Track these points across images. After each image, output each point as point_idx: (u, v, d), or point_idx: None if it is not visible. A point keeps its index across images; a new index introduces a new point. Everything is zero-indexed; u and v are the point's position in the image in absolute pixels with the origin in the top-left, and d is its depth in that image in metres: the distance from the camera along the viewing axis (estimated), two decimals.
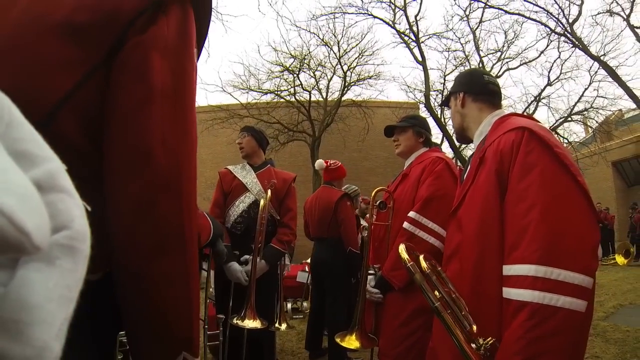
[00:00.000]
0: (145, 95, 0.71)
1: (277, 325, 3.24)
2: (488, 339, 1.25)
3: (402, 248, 1.41)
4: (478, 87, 1.77)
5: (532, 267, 1.22)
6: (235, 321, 2.57)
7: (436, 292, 1.30)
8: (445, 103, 1.93)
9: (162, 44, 0.73)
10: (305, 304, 6.09)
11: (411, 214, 2.20)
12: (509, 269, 1.30)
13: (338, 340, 2.26)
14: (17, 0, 0.71)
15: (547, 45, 13.93)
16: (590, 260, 1.21)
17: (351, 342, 2.22)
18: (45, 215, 0.43)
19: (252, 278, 2.69)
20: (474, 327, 1.29)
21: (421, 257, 1.40)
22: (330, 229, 4.11)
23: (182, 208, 0.73)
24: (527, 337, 1.17)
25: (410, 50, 13.73)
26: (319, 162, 4.44)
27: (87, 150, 0.71)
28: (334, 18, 14.37)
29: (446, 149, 14.16)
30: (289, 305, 6.22)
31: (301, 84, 15.39)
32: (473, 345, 1.24)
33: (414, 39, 13.51)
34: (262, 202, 2.78)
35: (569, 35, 11.68)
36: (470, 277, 1.43)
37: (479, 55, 14.35)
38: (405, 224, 2.21)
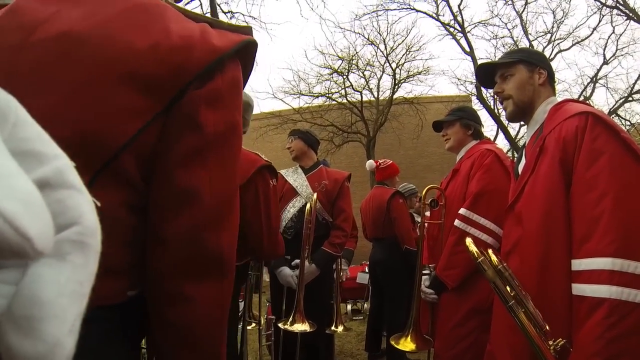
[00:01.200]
0: (198, 144, 0.76)
1: (333, 327, 3.24)
2: (558, 340, 1.19)
3: (469, 241, 1.36)
4: (553, 73, 1.67)
5: (608, 261, 1.14)
6: (283, 325, 2.58)
7: (508, 288, 1.24)
8: (501, 66, 1.72)
9: (216, 97, 0.78)
10: (365, 305, 6.04)
11: (462, 210, 2.13)
12: (580, 264, 1.22)
13: (393, 342, 2.22)
14: (84, 43, 0.73)
15: (600, 21, 12.97)
16: None
17: (406, 344, 2.17)
18: (48, 220, 0.43)
19: (300, 282, 2.68)
20: (547, 327, 1.22)
21: (490, 250, 1.33)
22: (385, 228, 4.03)
23: (222, 240, 0.78)
24: (606, 336, 1.10)
25: (457, 41, 13.31)
26: (370, 163, 4.41)
27: (140, 184, 0.76)
28: (377, 16, 14.23)
29: (501, 140, 13.60)
30: (349, 307, 6.22)
31: (351, 85, 15.38)
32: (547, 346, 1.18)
33: (459, 29, 13.10)
34: (307, 206, 2.76)
35: (621, 6, 10.83)
36: (534, 274, 1.34)
37: (528, 39, 13.63)
38: (456, 222, 2.14)
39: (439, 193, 2.42)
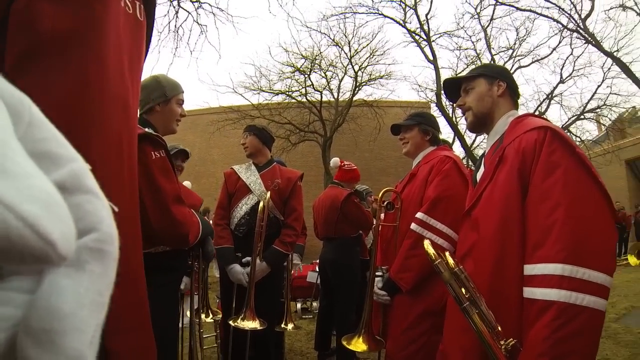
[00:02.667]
0: (29, 44, 0.65)
1: (283, 325, 3.22)
2: (509, 340, 1.24)
3: (427, 243, 1.40)
4: (516, 86, 1.74)
5: (558, 266, 1.21)
6: (233, 322, 2.56)
7: (463, 290, 1.29)
8: (464, 80, 1.80)
9: None
10: (315, 304, 6.04)
11: (419, 214, 2.16)
12: (532, 268, 1.28)
13: (345, 342, 2.22)
14: None
15: (560, 42, 13.64)
16: (612, 260, 1.24)
17: (358, 344, 2.17)
18: (70, 222, 0.40)
19: (251, 280, 2.68)
20: (499, 328, 1.27)
21: (447, 253, 1.38)
22: (337, 228, 4.06)
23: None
24: (553, 337, 1.16)
25: (421, 49, 13.60)
26: (335, 160, 4.39)
27: None
28: (345, 18, 14.29)
29: (457, 148, 14.02)
30: (299, 306, 6.22)
31: (312, 85, 15.38)
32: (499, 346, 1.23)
33: (424, 37, 13.37)
34: (260, 204, 2.75)
35: (581, 31, 11.44)
36: (488, 277, 1.40)
37: (491, 53, 14.14)
38: (413, 225, 2.16)
39: (395, 196, 2.43)
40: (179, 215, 1.80)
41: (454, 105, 2.18)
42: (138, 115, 1.78)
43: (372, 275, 2.29)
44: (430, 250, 1.35)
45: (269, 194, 2.86)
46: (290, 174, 3.20)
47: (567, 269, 1.20)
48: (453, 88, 1.86)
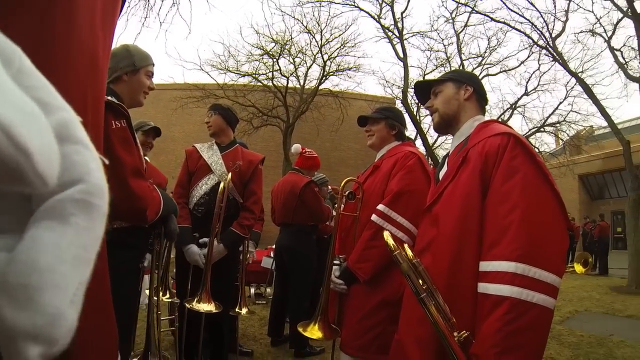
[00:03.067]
0: None
1: (237, 309, 3.22)
2: (462, 332, 1.31)
3: (387, 234, 1.44)
4: (483, 92, 1.81)
5: (511, 264, 1.28)
6: (189, 304, 2.54)
7: (420, 282, 1.34)
8: (434, 84, 1.85)
9: None
10: (268, 289, 6.05)
11: (380, 207, 2.19)
12: (487, 265, 1.35)
13: (300, 329, 2.23)
14: None
15: (528, 56, 14.26)
16: (561, 263, 1.32)
17: (314, 332, 2.18)
18: (52, 141, 0.38)
19: (208, 261, 2.66)
20: (454, 319, 1.34)
21: (406, 245, 1.44)
22: (295, 214, 4.08)
23: None
24: (504, 330, 1.23)
25: (393, 46, 13.66)
26: (296, 147, 4.36)
27: None
28: (320, 6, 14.21)
29: (419, 146, 14.30)
30: (252, 291, 6.20)
31: (280, 69, 15.27)
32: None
33: (397, 35, 13.42)
34: (221, 185, 2.72)
35: (550, 49, 11.82)
36: (445, 271, 1.46)
37: (461, 58, 14.46)
38: (374, 217, 2.19)
39: (357, 186, 2.45)
40: (137, 189, 1.71)
41: (423, 106, 2.22)
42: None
43: (329, 263, 2.31)
44: (390, 242, 1.39)
45: (229, 175, 2.83)
46: (252, 157, 3.17)
47: (520, 267, 1.27)
48: (423, 90, 1.91)
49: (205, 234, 2.81)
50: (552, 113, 15.13)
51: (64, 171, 0.42)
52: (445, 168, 1.70)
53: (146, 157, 3.63)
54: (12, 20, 0.63)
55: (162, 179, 4.15)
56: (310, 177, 4.29)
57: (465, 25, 13.91)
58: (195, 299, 2.56)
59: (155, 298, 2.24)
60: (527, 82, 15.18)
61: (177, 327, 2.45)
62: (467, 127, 1.72)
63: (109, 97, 1.84)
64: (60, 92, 0.65)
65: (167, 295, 3.09)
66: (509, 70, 15.03)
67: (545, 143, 16.29)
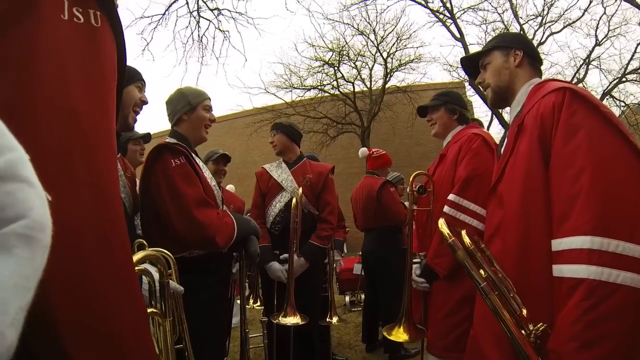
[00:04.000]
0: None
1: (328, 319, 3.24)
2: (539, 325, 1.13)
3: (441, 222, 1.31)
4: (534, 51, 1.64)
5: (586, 239, 1.09)
6: (275, 319, 2.60)
7: (481, 271, 1.19)
8: (480, 56, 1.72)
9: None
10: (362, 296, 6.01)
11: (451, 196, 2.08)
12: (560, 243, 1.17)
13: (386, 333, 2.17)
14: None
15: (590, 2, 12.92)
16: None
17: (399, 334, 2.11)
18: None
19: (290, 276, 2.71)
20: (524, 311, 1.17)
21: (463, 232, 1.29)
22: (376, 218, 4.02)
23: None
24: (584, 319, 1.04)
25: (447, 27, 13.21)
26: (363, 150, 4.37)
27: None
28: (366, 6, 14.13)
29: (496, 127, 13.57)
30: (347, 299, 6.20)
31: (343, 76, 15.32)
32: (523, 332, 1.11)
33: (449, 15, 12.98)
34: (293, 200, 2.77)
35: None
36: (514, 256, 1.31)
37: (519, 22, 13.52)
38: (446, 208, 2.09)
39: (427, 179, 2.36)
40: (203, 218, 1.82)
41: (474, 82, 2.14)
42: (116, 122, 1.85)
43: (409, 262, 2.22)
44: (445, 230, 1.26)
45: (300, 189, 2.87)
46: (320, 168, 3.19)
47: (597, 242, 1.07)
48: (472, 66, 1.78)
49: (285, 250, 2.87)
50: (631, 58, 13.44)
51: (8, 207, 0.46)
52: (506, 141, 1.55)
53: (230, 186, 3.81)
54: None
55: (239, 203, 4.30)
56: (385, 176, 4.24)
57: None
58: (281, 314, 2.62)
59: (243, 316, 2.28)
60: (596, 31, 13.70)
61: (266, 344, 2.49)
62: (522, 93, 1.56)
63: (168, 140, 2.02)
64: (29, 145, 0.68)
65: (259, 303, 3.18)
66: (573, 22, 13.66)
67: (631, 94, 14.38)
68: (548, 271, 1.21)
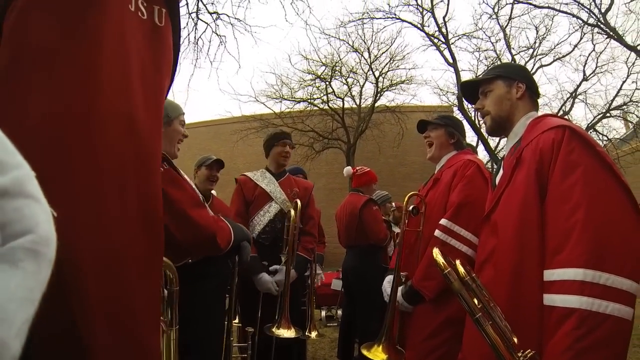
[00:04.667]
0: (11, 57, 0.65)
1: (307, 333, 3.24)
2: (527, 352, 1.16)
3: (436, 252, 1.34)
4: (535, 86, 1.69)
5: (579, 271, 1.15)
6: (270, 330, 2.59)
7: (475, 301, 1.23)
8: (482, 82, 1.76)
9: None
10: (339, 312, 6.00)
11: (443, 221, 2.10)
12: (552, 274, 1.22)
13: (364, 351, 2.15)
14: None
15: (581, 38, 13.26)
16: (637, 264, 1.15)
17: (377, 353, 2.10)
18: None
19: (286, 287, 2.70)
20: (515, 339, 1.20)
21: (458, 262, 1.32)
22: (357, 235, 4.04)
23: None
24: (575, 347, 1.09)
25: (441, 52, 13.47)
26: (347, 169, 4.42)
27: None
28: (363, 24, 14.28)
29: (481, 152, 13.78)
30: (323, 313, 6.18)
31: (334, 92, 15.41)
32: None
33: (443, 40, 13.25)
34: (292, 213, 2.77)
35: (602, 25, 11.10)
36: (507, 284, 1.35)
37: (511, 53, 13.84)
38: (437, 232, 2.11)
39: (419, 200, 2.37)
40: (200, 219, 1.76)
41: (473, 107, 2.18)
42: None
43: (395, 282, 2.22)
44: (440, 260, 1.30)
45: (299, 201, 2.88)
46: (306, 184, 3.29)
47: (589, 274, 1.13)
48: (471, 90, 1.83)
49: (273, 261, 2.88)
50: (616, 95, 13.81)
51: (16, 223, 0.48)
52: (501, 172, 1.60)
53: (213, 192, 3.76)
54: (29, 90, 0.65)
55: (228, 212, 4.25)
56: (370, 194, 4.26)
57: (510, 18, 13.35)
58: (274, 326, 2.61)
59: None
60: (585, 66, 14.04)
61: (249, 354, 2.47)
62: (520, 125, 1.61)
63: None
64: (82, 164, 0.67)
65: (237, 320, 3.15)
66: (563, 56, 14.01)
67: (613, 129, 14.70)
68: (539, 300, 1.25)
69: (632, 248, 1.17)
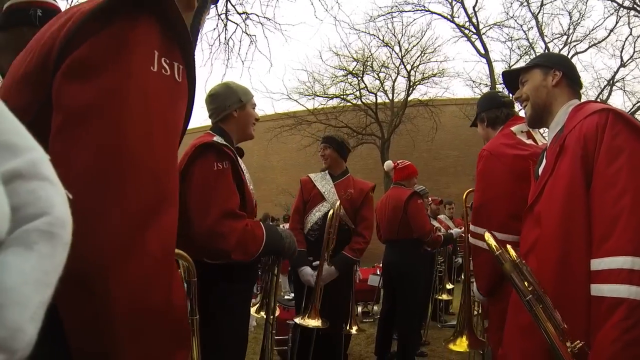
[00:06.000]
0: (59, 123, 0.71)
1: (347, 328, 3.32)
2: (576, 342, 1.15)
3: (488, 235, 1.36)
4: (575, 75, 1.64)
5: (627, 259, 1.11)
6: (298, 320, 2.76)
7: (526, 284, 1.23)
8: (521, 72, 1.73)
9: (80, 66, 0.72)
10: (376, 307, 6.02)
11: (471, 226, 2.07)
12: (600, 263, 1.18)
13: (450, 345, 2.22)
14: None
15: (617, 22, 12.86)
16: None
17: (462, 344, 2.17)
18: (4, 208, 0.44)
19: (317, 281, 2.85)
20: (565, 325, 1.19)
21: (509, 246, 1.33)
22: (400, 229, 4.01)
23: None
24: (623, 339, 1.06)
25: (472, 43, 13.26)
26: (388, 163, 4.46)
27: None
28: (392, 18, 14.24)
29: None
30: (360, 309, 6.17)
31: (366, 87, 15.37)
32: (567, 344, 1.15)
33: (474, 31, 13.04)
34: (330, 212, 2.93)
35: (638, 7, 10.62)
36: (552, 274, 1.32)
37: (544, 41, 13.42)
38: (470, 238, 2.10)
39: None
40: (224, 230, 1.75)
41: (513, 97, 2.08)
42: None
43: (467, 276, 2.27)
44: (492, 242, 1.31)
45: (338, 202, 3.01)
46: (363, 185, 3.36)
47: (638, 262, 1.09)
48: (511, 80, 1.81)
49: (318, 256, 2.99)
50: None
51: (30, 205, 0.48)
52: (544, 162, 1.56)
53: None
54: (70, 145, 0.72)
55: None
56: (411, 187, 4.26)
57: (542, 5, 13.10)
58: (304, 315, 2.77)
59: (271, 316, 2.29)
60: (622, 52, 13.55)
61: (289, 346, 2.53)
62: (561, 114, 1.56)
63: (215, 138, 1.96)
64: (115, 211, 0.71)
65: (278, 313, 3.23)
66: (599, 42, 13.57)
67: None
68: (586, 290, 1.22)
69: None
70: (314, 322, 2.72)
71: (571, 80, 1.62)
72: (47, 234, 0.48)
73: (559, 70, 1.61)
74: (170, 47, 0.83)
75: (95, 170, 0.71)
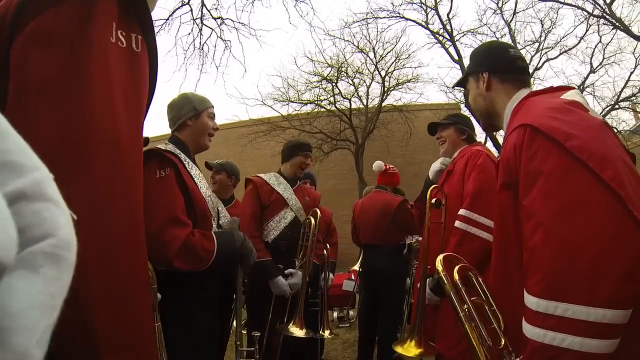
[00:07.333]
0: (18, 89, 0.71)
1: (320, 332, 3.26)
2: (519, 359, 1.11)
3: (439, 259, 1.38)
4: (504, 65, 1.49)
5: (534, 301, 1.03)
6: (284, 329, 2.70)
7: (465, 306, 1.25)
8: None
9: (43, 35, 0.73)
10: (351, 312, 6.01)
11: (461, 211, 2.17)
12: (525, 298, 1.10)
13: (397, 349, 2.14)
14: None
15: (587, 30, 13.04)
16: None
17: (410, 349, 2.08)
18: (11, 232, 0.42)
19: (302, 290, 2.84)
20: (502, 341, 1.17)
21: (456, 268, 1.34)
22: (387, 235, 3.94)
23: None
24: None
25: (446, 49, 13.44)
26: (378, 164, 4.29)
27: None
28: (367, 24, 14.29)
29: (490, 148, 13.65)
30: (335, 314, 6.13)
31: (340, 92, 15.40)
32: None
33: (448, 38, 13.23)
34: (313, 222, 2.89)
35: (608, 16, 10.97)
36: (496, 286, 1.33)
37: (516, 47, 13.77)
38: (457, 223, 2.16)
39: (439, 192, 2.35)
40: (166, 237, 1.73)
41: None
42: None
43: (422, 278, 2.22)
44: (439, 267, 1.35)
45: (319, 212, 2.96)
46: (314, 194, 3.46)
47: (542, 305, 1.00)
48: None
49: (288, 265, 2.96)
50: (624, 86, 13.60)
51: (35, 226, 0.47)
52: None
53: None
54: (34, 115, 0.72)
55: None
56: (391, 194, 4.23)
57: (514, 13, 13.29)
58: (290, 324, 2.73)
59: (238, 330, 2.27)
60: (591, 58, 13.83)
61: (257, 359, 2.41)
62: (507, 114, 1.43)
63: (163, 145, 1.94)
64: (80, 183, 0.73)
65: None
66: (570, 49, 13.82)
67: (623, 121, 14.50)
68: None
69: (612, 266, 0.94)
70: (298, 332, 2.67)
71: (501, 73, 1.49)
72: (53, 256, 0.47)
73: (484, 71, 1.51)
74: (128, 18, 0.85)
75: (60, 141, 0.71)
